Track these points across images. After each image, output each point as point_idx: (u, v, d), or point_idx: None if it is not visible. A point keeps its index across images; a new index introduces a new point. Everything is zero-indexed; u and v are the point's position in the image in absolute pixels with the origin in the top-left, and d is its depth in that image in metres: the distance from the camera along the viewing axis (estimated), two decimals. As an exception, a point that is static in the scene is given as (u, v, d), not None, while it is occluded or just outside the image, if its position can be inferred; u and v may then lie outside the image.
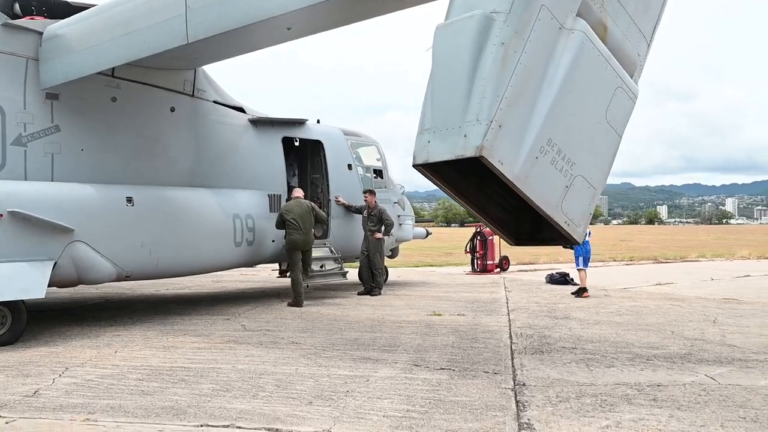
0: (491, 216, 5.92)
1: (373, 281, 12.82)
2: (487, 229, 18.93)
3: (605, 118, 5.61)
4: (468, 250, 19.02)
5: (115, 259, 8.79)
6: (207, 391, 5.45)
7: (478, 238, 18.80)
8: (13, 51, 8.71)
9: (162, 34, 7.66)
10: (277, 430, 4.44)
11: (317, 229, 13.09)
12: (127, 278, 9.21)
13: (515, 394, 5.34)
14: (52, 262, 8.02)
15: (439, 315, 9.89)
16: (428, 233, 16.82)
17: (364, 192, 12.93)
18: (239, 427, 4.49)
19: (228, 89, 11.70)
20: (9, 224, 7.80)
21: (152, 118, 10.05)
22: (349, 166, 13.36)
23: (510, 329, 8.57)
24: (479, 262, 18.79)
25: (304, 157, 13.39)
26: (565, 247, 14.06)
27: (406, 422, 4.57)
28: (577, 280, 13.92)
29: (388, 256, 15.60)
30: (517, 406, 4.99)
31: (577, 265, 12.84)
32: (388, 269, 15.67)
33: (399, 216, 14.66)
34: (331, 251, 12.68)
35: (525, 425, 4.52)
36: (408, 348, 7.26)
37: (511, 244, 6.09)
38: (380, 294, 12.65)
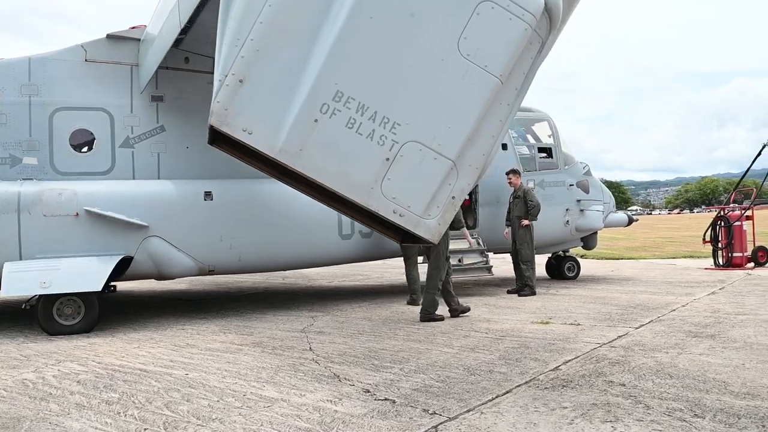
0: (354, 208, 4.24)
1: (521, 278, 10.99)
2: (735, 212, 15.12)
3: (458, 51, 3.60)
4: (708, 239, 15.27)
5: (194, 253, 8.91)
6: (95, 402, 4.98)
7: (721, 223, 14.99)
8: (119, 60, 9.37)
9: (169, 25, 7.48)
10: (31, 463, 3.80)
11: (468, 218, 11.80)
12: (211, 272, 9.28)
13: (387, 452, 3.81)
14: (119, 257, 8.39)
15: (546, 323, 7.96)
16: (631, 220, 13.90)
17: (507, 173, 11.16)
18: (8, 454, 3.96)
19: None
20: (85, 221, 8.39)
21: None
22: (504, 146, 11.69)
23: (594, 350, 6.44)
24: (723, 253, 14.97)
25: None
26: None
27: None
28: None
29: (583, 247, 13.43)
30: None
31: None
32: (579, 261, 13.48)
33: (580, 201, 12.45)
34: (478, 243, 11.26)
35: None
36: (409, 367, 5.84)
37: (397, 242, 4.38)
38: (531, 294, 10.76)
